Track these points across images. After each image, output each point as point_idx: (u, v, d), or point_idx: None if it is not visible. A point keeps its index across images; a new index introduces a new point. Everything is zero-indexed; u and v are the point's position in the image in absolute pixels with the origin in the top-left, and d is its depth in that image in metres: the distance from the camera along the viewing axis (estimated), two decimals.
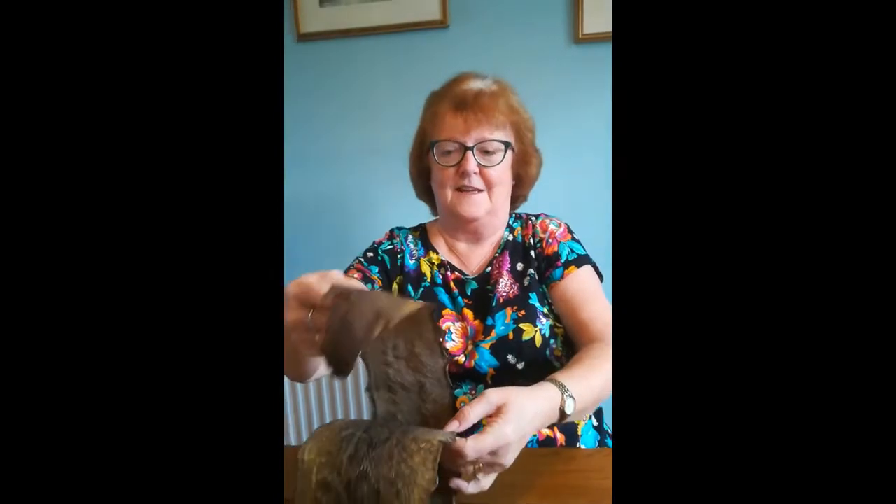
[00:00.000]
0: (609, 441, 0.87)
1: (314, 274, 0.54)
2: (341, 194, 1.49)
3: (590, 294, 0.84)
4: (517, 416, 0.53)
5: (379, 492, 0.45)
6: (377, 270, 0.90)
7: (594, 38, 1.31)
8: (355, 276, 0.88)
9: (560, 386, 0.61)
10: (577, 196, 1.35)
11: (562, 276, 0.85)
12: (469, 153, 0.83)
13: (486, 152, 0.84)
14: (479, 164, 0.84)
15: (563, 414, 0.60)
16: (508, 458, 0.53)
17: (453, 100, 0.85)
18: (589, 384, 0.66)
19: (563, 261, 0.86)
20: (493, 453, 0.52)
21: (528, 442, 0.58)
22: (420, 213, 1.03)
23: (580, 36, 1.31)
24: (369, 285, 0.87)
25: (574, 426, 0.82)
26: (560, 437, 0.80)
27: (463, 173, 0.84)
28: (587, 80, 1.33)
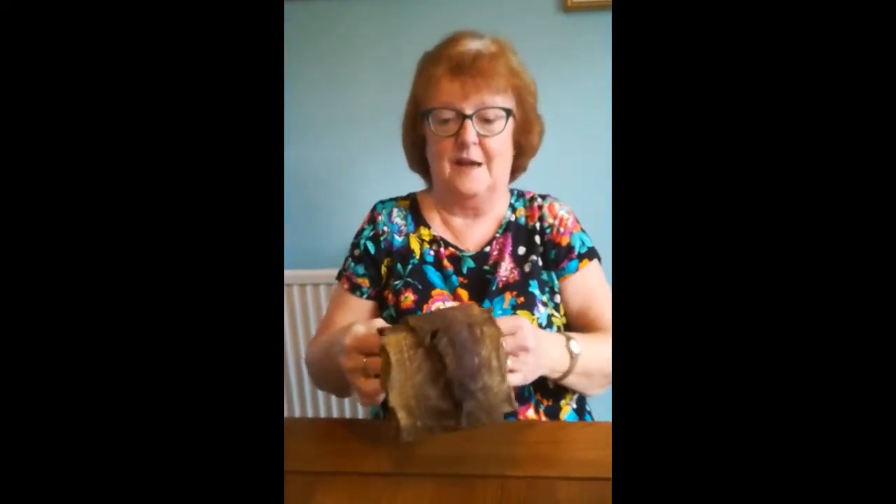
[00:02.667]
0: (588, 418, 0.88)
1: (363, 325, 0.63)
2: (324, 162, 1.45)
3: (601, 291, 0.84)
4: (524, 321, 0.66)
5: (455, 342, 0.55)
6: (363, 270, 0.87)
7: (583, 6, 1.28)
8: (345, 286, 0.87)
9: (565, 335, 0.73)
10: (566, 164, 1.33)
11: (576, 269, 0.84)
12: (468, 122, 0.77)
13: (486, 120, 0.79)
14: (478, 134, 0.78)
15: (571, 353, 0.71)
16: (528, 340, 0.63)
17: (449, 62, 0.78)
18: (594, 347, 0.74)
19: (576, 253, 0.85)
20: (514, 335, 0.62)
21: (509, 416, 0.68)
22: (408, 183, 0.98)
23: (569, 4, 1.28)
24: (357, 292, 0.86)
25: (557, 410, 0.81)
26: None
27: (461, 144, 0.78)
28: (576, 48, 1.31)
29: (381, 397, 0.59)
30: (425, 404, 0.54)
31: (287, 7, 1.34)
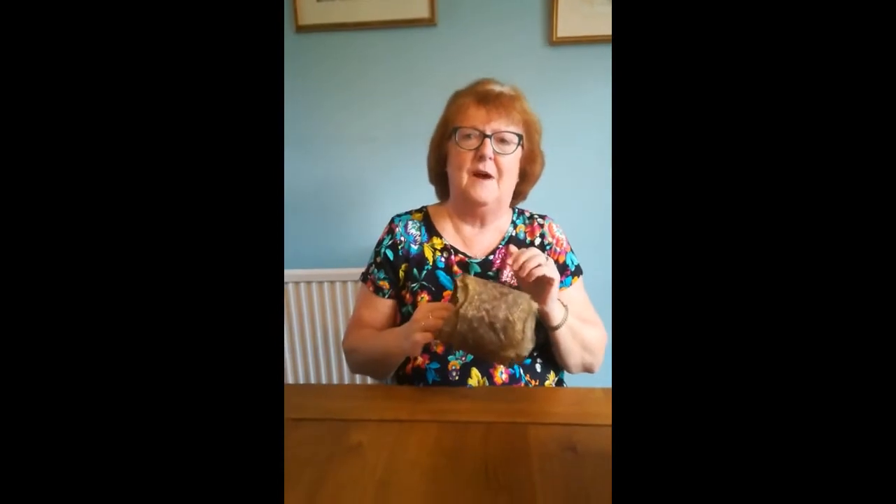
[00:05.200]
0: None
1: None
2: (335, 179, 1.62)
3: (586, 301, 1.05)
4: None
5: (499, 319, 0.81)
6: (383, 275, 1.04)
7: (567, 41, 1.48)
8: (370, 288, 1.05)
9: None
10: (550, 187, 1.52)
11: (570, 284, 1.04)
12: (487, 140, 0.96)
13: (502, 141, 0.97)
14: (494, 151, 0.96)
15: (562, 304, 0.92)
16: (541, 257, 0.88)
17: (477, 95, 0.99)
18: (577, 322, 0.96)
19: (570, 271, 1.04)
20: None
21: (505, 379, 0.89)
22: (412, 200, 1.13)
23: (554, 39, 1.47)
24: (380, 293, 1.04)
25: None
26: None
27: (480, 157, 0.96)
28: (560, 79, 1.51)
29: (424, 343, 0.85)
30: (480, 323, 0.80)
31: (302, 37, 1.54)
